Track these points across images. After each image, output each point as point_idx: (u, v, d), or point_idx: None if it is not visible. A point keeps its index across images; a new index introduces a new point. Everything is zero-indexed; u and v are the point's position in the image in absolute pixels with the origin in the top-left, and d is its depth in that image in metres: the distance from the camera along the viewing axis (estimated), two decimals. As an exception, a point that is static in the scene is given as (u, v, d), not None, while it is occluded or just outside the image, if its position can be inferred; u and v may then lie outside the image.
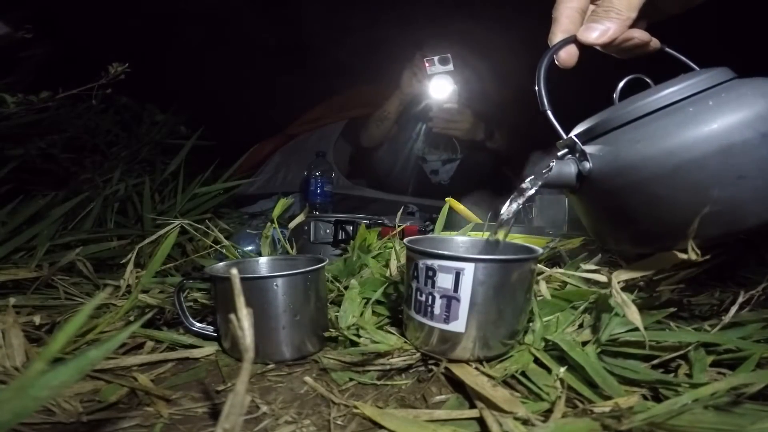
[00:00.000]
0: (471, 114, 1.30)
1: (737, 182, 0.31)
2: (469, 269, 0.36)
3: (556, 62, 0.42)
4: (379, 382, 0.37)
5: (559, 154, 0.40)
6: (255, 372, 0.40)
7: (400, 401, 0.35)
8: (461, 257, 0.36)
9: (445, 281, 0.37)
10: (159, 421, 0.32)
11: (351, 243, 0.62)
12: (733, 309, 0.40)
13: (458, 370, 0.36)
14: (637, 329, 0.37)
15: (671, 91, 0.35)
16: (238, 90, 1.66)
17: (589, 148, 0.38)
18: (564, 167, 0.38)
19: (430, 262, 0.38)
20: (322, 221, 0.86)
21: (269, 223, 0.65)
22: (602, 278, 0.42)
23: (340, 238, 0.83)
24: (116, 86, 0.74)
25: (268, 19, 1.62)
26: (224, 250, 0.64)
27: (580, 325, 0.42)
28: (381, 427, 0.30)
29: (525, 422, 0.29)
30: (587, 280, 0.44)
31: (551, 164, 0.38)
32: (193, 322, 0.45)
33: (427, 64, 1.26)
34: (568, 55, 0.42)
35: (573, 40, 0.42)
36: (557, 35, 0.42)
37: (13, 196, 0.77)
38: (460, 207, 0.67)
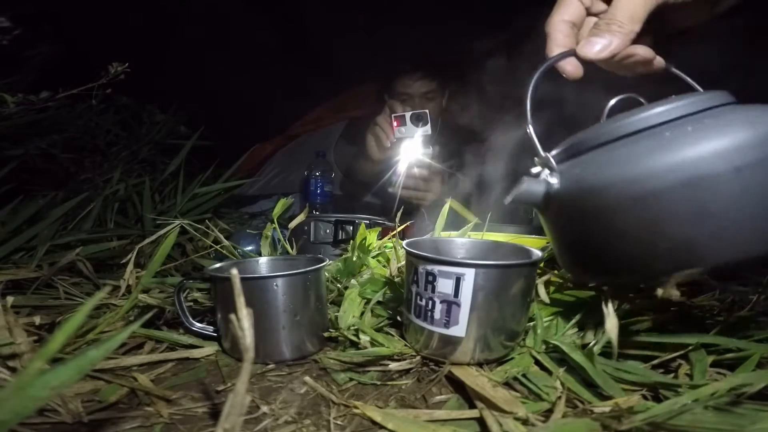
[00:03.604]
0: (441, 180, 1.07)
1: (697, 220, 0.29)
2: (469, 274, 0.36)
3: (564, 75, 0.41)
4: (379, 383, 0.37)
5: (533, 171, 0.39)
6: (255, 372, 0.40)
7: (400, 401, 0.35)
8: (462, 262, 0.36)
9: (445, 286, 0.37)
10: (159, 421, 0.32)
11: (351, 243, 0.62)
12: (733, 309, 0.40)
13: (458, 371, 0.36)
14: (637, 331, 0.37)
15: (652, 113, 0.32)
16: (238, 90, 1.66)
17: (561, 167, 0.36)
18: (533, 185, 0.37)
19: (430, 267, 0.38)
20: (322, 221, 0.86)
21: (269, 223, 0.65)
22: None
23: (340, 238, 0.83)
24: (116, 86, 0.75)
25: (269, 19, 1.62)
26: (224, 250, 0.64)
27: (580, 327, 0.42)
28: (381, 427, 0.30)
29: (525, 422, 0.29)
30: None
31: (522, 180, 0.37)
32: (193, 322, 0.45)
33: (395, 123, 0.98)
34: (573, 68, 0.40)
35: (572, 54, 0.40)
36: (554, 50, 0.41)
37: (13, 196, 0.77)
38: (460, 208, 0.67)
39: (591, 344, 0.37)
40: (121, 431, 0.31)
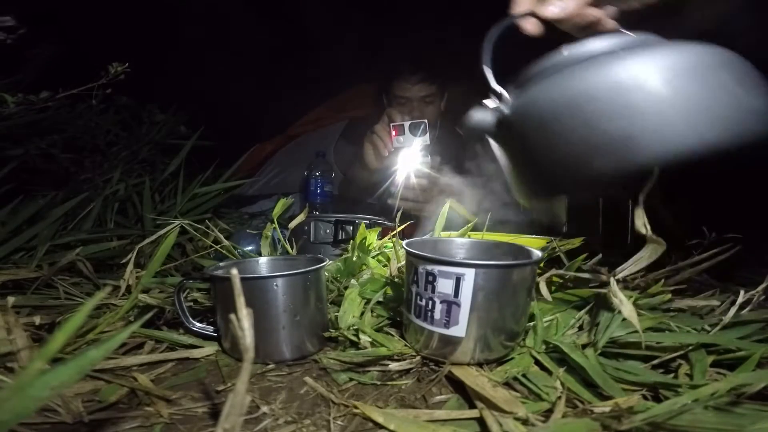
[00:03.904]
0: (438, 190, 1.02)
1: (626, 117, 0.32)
2: (469, 275, 0.36)
3: (524, 32, 0.45)
4: (379, 383, 0.37)
5: (487, 103, 0.42)
6: (255, 372, 0.40)
7: (400, 401, 0.35)
8: (461, 263, 0.36)
9: (445, 286, 0.37)
10: (159, 421, 0.32)
11: (351, 243, 0.62)
12: (733, 309, 0.40)
13: (458, 371, 0.36)
14: (636, 331, 0.37)
15: (589, 45, 0.37)
16: (238, 90, 1.66)
17: (512, 97, 0.40)
18: (486, 115, 0.41)
19: (430, 267, 0.38)
20: (322, 221, 0.86)
21: (269, 223, 0.65)
22: (602, 278, 0.42)
23: (340, 238, 0.83)
24: (116, 86, 0.74)
25: (268, 19, 1.62)
26: (224, 250, 0.64)
27: (580, 327, 0.42)
28: (381, 427, 0.30)
29: (525, 422, 0.29)
30: (587, 281, 0.44)
31: (476, 110, 0.42)
32: (193, 322, 0.45)
33: (393, 133, 0.98)
34: (532, 25, 0.45)
35: (531, 13, 0.45)
36: (519, 5, 0.45)
37: (13, 196, 0.77)
38: (460, 208, 0.67)
39: (591, 344, 0.37)
40: (121, 431, 0.31)
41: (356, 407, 0.32)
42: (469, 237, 0.61)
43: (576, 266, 0.49)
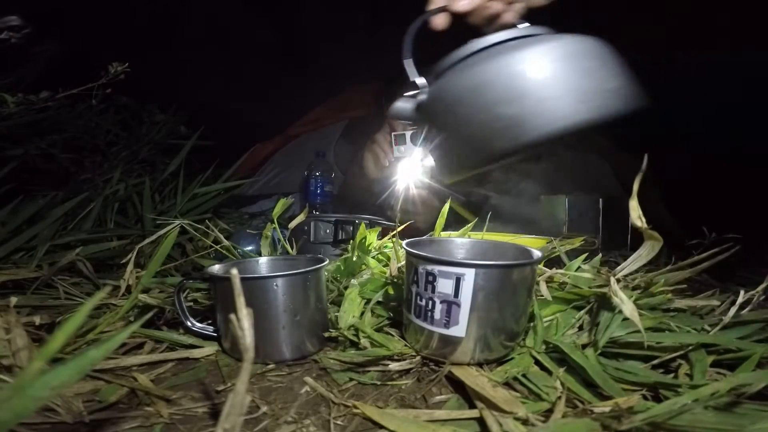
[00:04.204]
0: (438, 202, 1.01)
1: (517, 101, 0.37)
2: (469, 275, 0.36)
3: (433, 27, 0.50)
4: (379, 383, 0.37)
5: (409, 93, 0.46)
6: (255, 372, 0.40)
7: (400, 401, 0.35)
8: (462, 263, 0.36)
9: (445, 286, 0.37)
10: (159, 421, 0.32)
11: (351, 243, 0.62)
12: (733, 309, 0.40)
13: (458, 371, 0.36)
14: (637, 331, 0.37)
15: (486, 38, 0.41)
16: (238, 90, 1.66)
17: (429, 87, 0.44)
18: (407, 103, 0.46)
19: (430, 267, 0.38)
20: (322, 221, 0.86)
21: (269, 223, 0.65)
22: (602, 278, 0.42)
23: (340, 238, 0.83)
24: (116, 86, 0.74)
25: (269, 19, 1.62)
26: (224, 250, 0.64)
27: (580, 327, 0.42)
28: (381, 427, 0.30)
29: (525, 422, 0.29)
30: (587, 281, 0.44)
31: (399, 100, 0.47)
32: (194, 322, 0.45)
33: (394, 141, 0.95)
34: (441, 20, 0.50)
35: (444, 9, 0.49)
36: (434, 3, 0.50)
37: (13, 196, 0.77)
38: (460, 209, 0.67)
39: (591, 344, 0.37)
40: (121, 431, 0.31)
41: (356, 407, 0.32)
42: (469, 237, 0.61)
43: (576, 266, 0.49)
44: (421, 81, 0.45)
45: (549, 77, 0.37)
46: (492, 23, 0.51)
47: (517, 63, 0.37)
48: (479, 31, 0.51)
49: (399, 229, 0.61)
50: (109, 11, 1.38)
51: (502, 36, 0.41)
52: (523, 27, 0.42)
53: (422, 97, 0.44)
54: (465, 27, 0.51)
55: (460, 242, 0.48)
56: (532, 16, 0.51)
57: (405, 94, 0.47)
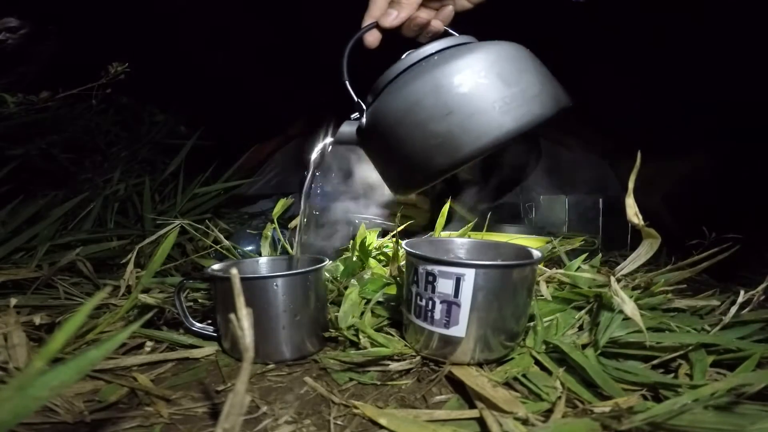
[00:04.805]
0: (430, 202, 1.02)
1: (446, 118, 0.38)
2: (469, 275, 0.36)
3: (365, 45, 0.50)
4: (379, 383, 0.37)
5: (352, 117, 0.47)
6: (255, 372, 0.40)
7: (400, 401, 0.35)
8: (462, 263, 0.36)
9: (445, 287, 0.37)
10: (159, 421, 0.32)
11: (351, 243, 0.62)
12: (733, 309, 0.40)
13: (459, 371, 0.36)
14: (637, 331, 0.37)
15: (410, 55, 0.43)
16: (238, 90, 1.65)
17: (368, 109, 0.45)
18: (346, 126, 0.47)
19: (430, 267, 0.38)
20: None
21: (269, 223, 0.65)
22: (602, 278, 0.42)
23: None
24: (116, 86, 0.75)
25: (269, 19, 1.62)
26: (224, 250, 0.64)
27: (580, 327, 0.42)
28: (381, 427, 0.30)
29: (525, 422, 0.29)
30: (587, 280, 0.44)
31: (343, 125, 0.47)
32: (193, 322, 0.45)
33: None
34: (373, 38, 0.50)
35: (375, 25, 0.50)
36: (366, 20, 0.50)
37: (13, 196, 0.77)
38: (459, 209, 0.67)
39: (591, 344, 0.37)
40: (121, 431, 0.31)
41: (356, 407, 0.32)
42: (469, 237, 0.61)
43: (576, 266, 0.49)
44: (360, 102, 0.46)
45: (472, 91, 0.38)
46: (423, 32, 0.52)
47: (441, 79, 0.39)
48: (414, 42, 0.52)
49: (399, 229, 0.61)
50: (108, 11, 1.38)
51: (428, 50, 0.42)
52: (448, 39, 0.43)
53: (363, 119, 0.45)
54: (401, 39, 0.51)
55: (460, 242, 0.48)
56: (460, 20, 0.52)
57: (349, 117, 0.47)
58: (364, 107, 0.45)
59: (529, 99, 0.38)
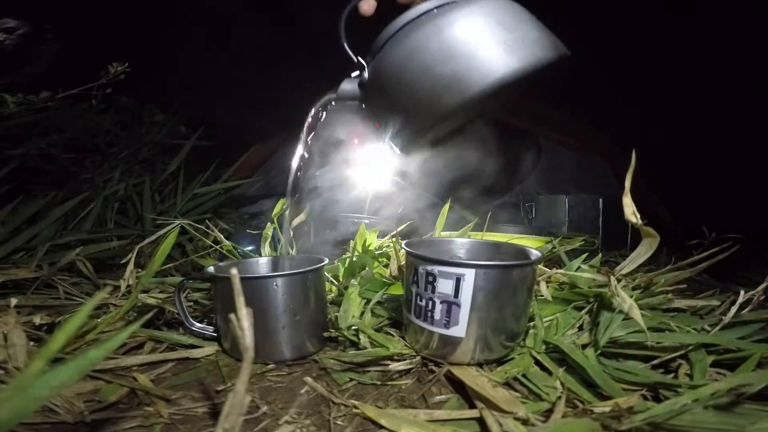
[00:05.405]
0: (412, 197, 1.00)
1: (452, 59, 0.39)
2: (469, 275, 0.36)
3: (360, 12, 0.51)
4: (379, 383, 0.37)
5: (353, 75, 0.48)
6: (255, 372, 0.40)
7: (400, 401, 0.35)
8: (462, 263, 0.36)
9: (445, 287, 0.37)
10: (159, 421, 0.32)
11: (351, 243, 0.62)
12: (733, 309, 0.40)
13: (459, 371, 0.36)
14: (637, 331, 0.37)
15: (410, 11, 0.43)
16: (238, 90, 1.65)
17: (370, 66, 0.46)
18: (347, 83, 0.48)
19: (430, 267, 0.38)
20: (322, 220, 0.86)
21: (269, 223, 0.65)
22: (602, 278, 0.42)
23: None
24: (116, 86, 0.75)
25: (270, 19, 1.62)
26: (224, 250, 0.64)
27: (580, 327, 0.42)
28: (381, 427, 0.30)
29: (525, 422, 0.29)
30: (587, 280, 0.44)
31: (343, 82, 0.48)
32: (193, 322, 0.45)
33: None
34: (368, 7, 0.51)
35: None
36: None
37: (13, 196, 0.77)
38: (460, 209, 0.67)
39: (591, 344, 0.37)
40: (121, 431, 0.31)
41: (356, 407, 0.32)
42: (469, 237, 0.61)
43: (576, 266, 0.49)
44: (361, 61, 0.47)
45: (475, 35, 0.39)
46: (417, 0, 0.51)
47: (444, 26, 0.40)
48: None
49: (399, 229, 0.61)
50: (109, 11, 1.38)
51: (428, 6, 0.43)
52: None
53: (364, 75, 0.46)
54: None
55: (460, 242, 0.48)
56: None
57: (350, 75, 0.48)
58: (365, 64, 0.46)
59: (531, 42, 0.39)
